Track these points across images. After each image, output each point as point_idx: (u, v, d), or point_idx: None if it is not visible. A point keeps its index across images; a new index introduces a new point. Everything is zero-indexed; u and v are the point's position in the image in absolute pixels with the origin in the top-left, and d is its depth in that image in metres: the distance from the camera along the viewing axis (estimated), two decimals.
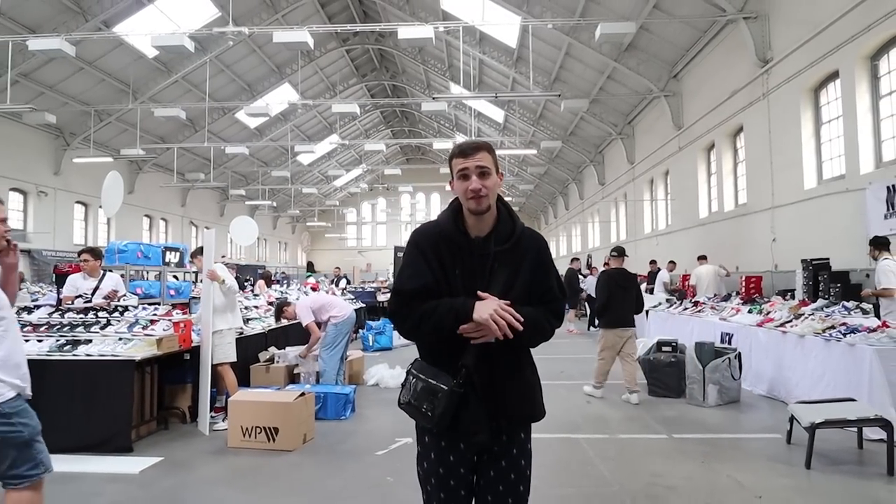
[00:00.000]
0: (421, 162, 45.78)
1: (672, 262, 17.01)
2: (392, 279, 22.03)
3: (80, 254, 7.20)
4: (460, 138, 33.63)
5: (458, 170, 2.20)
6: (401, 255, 2.80)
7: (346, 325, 7.75)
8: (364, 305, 16.46)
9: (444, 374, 2.15)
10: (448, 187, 2.26)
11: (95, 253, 7.23)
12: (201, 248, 7.01)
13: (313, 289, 14.58)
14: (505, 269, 2.20)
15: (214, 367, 6.51)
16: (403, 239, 35.35)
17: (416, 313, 2.18)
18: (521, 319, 2.07)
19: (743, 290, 12.23)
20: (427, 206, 52.52)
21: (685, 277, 15.44)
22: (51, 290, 13.56)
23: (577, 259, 18.33)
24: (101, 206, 6.89)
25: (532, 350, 2.36)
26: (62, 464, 5.09)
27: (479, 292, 2.14)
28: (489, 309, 2.06)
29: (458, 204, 2.28)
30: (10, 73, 16.48)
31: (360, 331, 14.42)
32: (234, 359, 6.78)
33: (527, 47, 18.64)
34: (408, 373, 2.25)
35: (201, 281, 7.93)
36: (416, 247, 2.27)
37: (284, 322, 8.78)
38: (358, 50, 28.73)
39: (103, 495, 4.54)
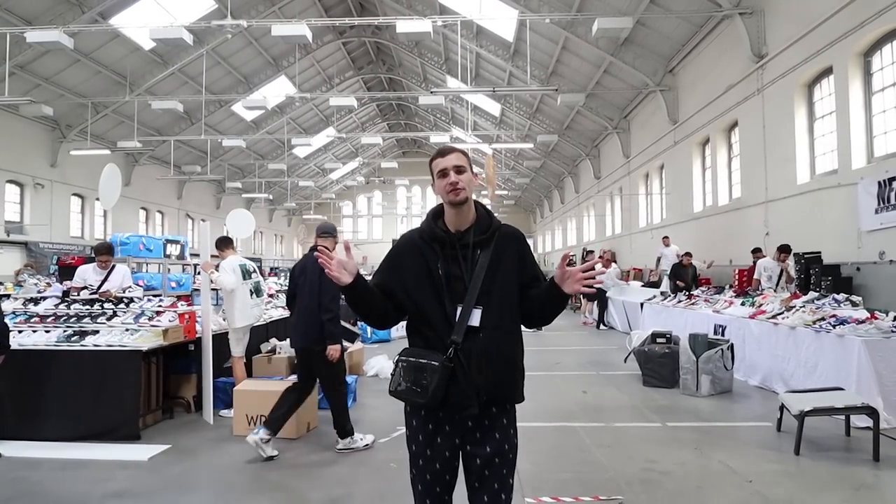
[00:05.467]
0: (417, 155, 45.78)
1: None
2: None
3: (98, 252, 7.37)
4: (457, 132, 33.74)
5: (439, 170, 2.44)
6: None
7: None
8: None
9: (434, 352, 2.33)
10: None
11: (111, 250, 7.45)
12: (226, 238, 7.26)
13: None
14: (486, 256, 2.41)
15: None
16: (399, 232, 35.45)
17: None
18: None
19: (736, 282, 12.40)
20: (423, 199, 52.50)
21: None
22: (48, 283, 13.61)
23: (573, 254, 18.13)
24: (98, 199, 7.00)
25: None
26: (72, 451, 5.26)
27: None
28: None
29: (436, 209, 2.53)
30: (7, 64, 16.45)
31: (359, 323, 14.54)
32: (238, 354, 6.97)
33: (524, 41, 18.71)
34: (397, 362, 2.40)
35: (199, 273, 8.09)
36: (387, 257, 2.54)
37: None
38: (354, 42, 28.69)
39: (114, 481, 4.66)
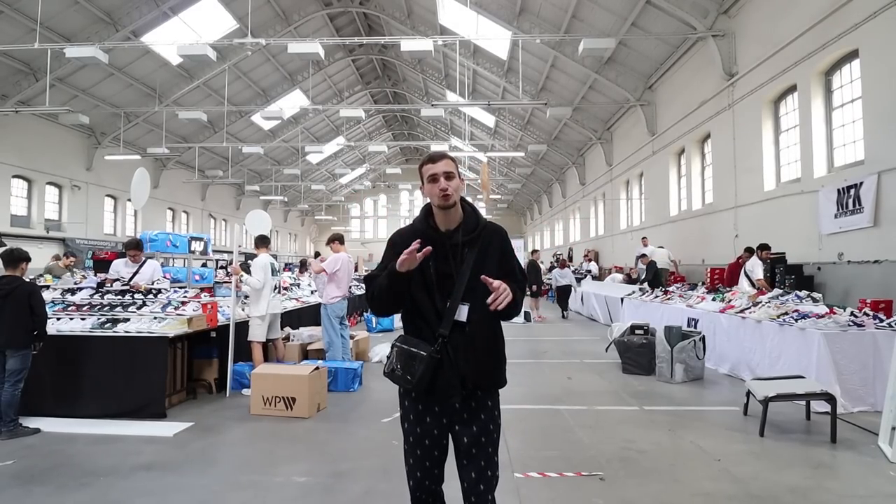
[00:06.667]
0: (419, 162, 45.69)
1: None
2: None
3: (127, 247, 7.40)
4: (455, 141, 33.69)
5: (429, 175, 2.39)
6: None
7: (333, 310, 7.89)
8: None
9: (424, 342, 2.30)
10: None
11: (140, 245, 7.46)
12: (264, 237, 7.54)
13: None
14: (474, 254, 2.37)
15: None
16: None
17: (371, 288, 2.40)
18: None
19: (708, 280, 12.40)
20: (423, 202, 52.47)
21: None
22: (83, 275, 13.54)
23: (538, 251, 18.80)
24: (129, 200, 7.02)
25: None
26: (104, 427, 5.25)
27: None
28: (402, 257, 2.21)
29: (428, 207, 2.48)
30: (48, 77, 16.41)
31: (365, 314, 14.55)
32: (260, 339, 7.11)
33: (517, 59, 18.68)
34: (392, 346, 2.39)
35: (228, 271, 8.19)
36: (391, 247, 2.43)
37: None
38: (363, 59, 28.63)
39: (142, 454, 4.65)
